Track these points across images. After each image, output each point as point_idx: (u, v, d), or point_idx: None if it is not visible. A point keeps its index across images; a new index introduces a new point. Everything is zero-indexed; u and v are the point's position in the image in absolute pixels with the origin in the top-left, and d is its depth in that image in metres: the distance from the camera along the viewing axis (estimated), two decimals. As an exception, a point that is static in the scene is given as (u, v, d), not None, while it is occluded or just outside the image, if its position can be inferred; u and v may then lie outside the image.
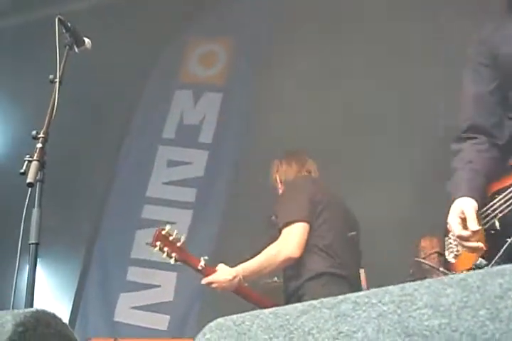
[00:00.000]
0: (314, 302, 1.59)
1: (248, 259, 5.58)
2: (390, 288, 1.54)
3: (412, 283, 1.52)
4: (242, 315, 1.70)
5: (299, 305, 1.65)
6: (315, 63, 6.74)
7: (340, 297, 1.58)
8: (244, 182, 7.20)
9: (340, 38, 6.83)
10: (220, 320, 1.72)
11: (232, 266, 4.11)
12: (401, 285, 1.54)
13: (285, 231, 4.03)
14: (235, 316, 1.70)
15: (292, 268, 4.11)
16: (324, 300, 1.58)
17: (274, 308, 1.67)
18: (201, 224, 7.19)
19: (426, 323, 1.42)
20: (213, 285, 4.03)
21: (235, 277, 4.02)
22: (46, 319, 1.76)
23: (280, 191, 4.39)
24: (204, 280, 4.04)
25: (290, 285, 4.17)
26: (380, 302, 1.50)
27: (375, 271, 6.00)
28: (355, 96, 6.69)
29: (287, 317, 1.60)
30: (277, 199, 4.34)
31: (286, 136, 6.82)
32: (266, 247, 5.60)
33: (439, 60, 6.45)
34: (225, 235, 7.17)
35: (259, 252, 5.57)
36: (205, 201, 7.34)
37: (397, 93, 6.59)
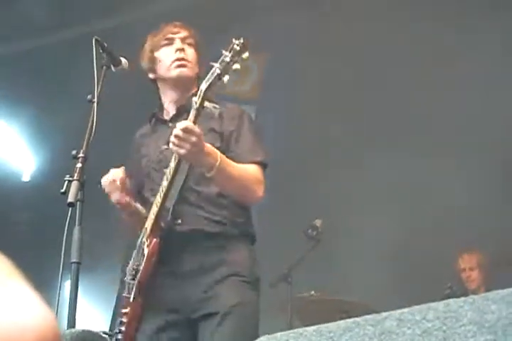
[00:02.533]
0: (358, 319, 1.60)
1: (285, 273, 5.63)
2: (434, 304, 1.54)
3: (456, 300, 1.52)
4: (286, 333, 1.71)
5: (342, 322, 1.65)
6: (348, 76, 6.75)
7: (384, 314, 1.58)
8: (278, 195, 7.20)
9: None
10: (263, 338, 1.73)
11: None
12: (445, 301, 1.54)
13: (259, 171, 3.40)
14: (278, 334, 1.71)
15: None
16: (368, 317, 1.59)
17: (317, 326, 1.67)
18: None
19: (471, 340, 1.42)
20: (191, 138, 2.99)
21: (214, 152, 3.14)
22: (92, 339, 1.79)
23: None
24: (182, 124, 3.02)
25: None
26: (424, 319, 1.50)
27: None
28: (396, 102, 6.69)
29: (331, 334, 1.60)
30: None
31: (320, 149, 6.84)
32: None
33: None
34: (262, 249, 7.17)
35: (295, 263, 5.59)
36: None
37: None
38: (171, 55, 3.48)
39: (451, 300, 1.53)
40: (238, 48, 2.96)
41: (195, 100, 3.01)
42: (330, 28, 6.68)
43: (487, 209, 6.10)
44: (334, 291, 5.94)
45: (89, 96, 3.10)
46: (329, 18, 6.92)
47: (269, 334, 1.78)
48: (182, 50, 3.49)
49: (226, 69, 2.96)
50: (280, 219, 6.94)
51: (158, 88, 3.57)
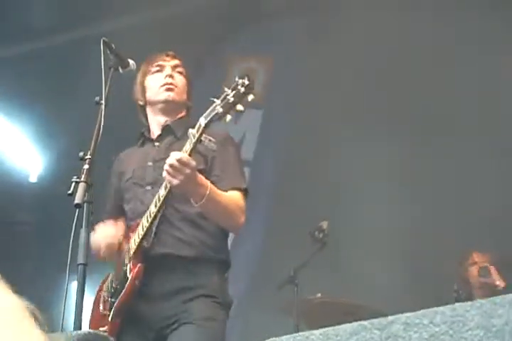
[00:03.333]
0: (364, 322, 1.60)
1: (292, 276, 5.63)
2: (441, 308, 1.53)
3: (463, 304, 1.51)
4: (292, 336, 1.70)
5: (348, 325, 1.65)
6: (355, 80, 6.75)
7: (391, 318, 1.58)
8: (284, 197, 7.21)
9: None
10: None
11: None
12: (452, 305, 1.54)
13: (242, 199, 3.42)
14: (284, 337, 1.71)
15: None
16: (375, 320, 1.58)
17: (323, 329, 1.67)
18: (244, 240, 7.19)
19: (478, 344, 1.42)
20: (185, 170, 3.03)
21: (205, 183, 3.17)
22: (98, 340, 1.79)
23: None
24: (177, 155, 3.05)
25: None
26: (431, 323, 1.50)
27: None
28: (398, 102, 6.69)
29: (338, 338, 1.60)
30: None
31: (326, 151, 6.83)
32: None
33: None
34: (268, 251, 7.18)
35: (303, 264, 5.60)
36: (247, 217, 7.33)
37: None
38: (161, 80, 3.57)
39: (458, 305, 1.53)
40: (243, 90, 2.94)
41: (193, 133, 3.03)
42: (332, 31, 6.70)
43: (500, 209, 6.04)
44: (341, 294, 5.93)
45: (96, 98, 3.10)
46: (331, 21, 6.94)
47: (275, 337, 1.78)
48: (171, 76, 3.58)
49: (228, 109, 2.95)
50: (286, 221, 6.94)
51: (146, 114, 3.65)
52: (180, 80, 3.60)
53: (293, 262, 5.82)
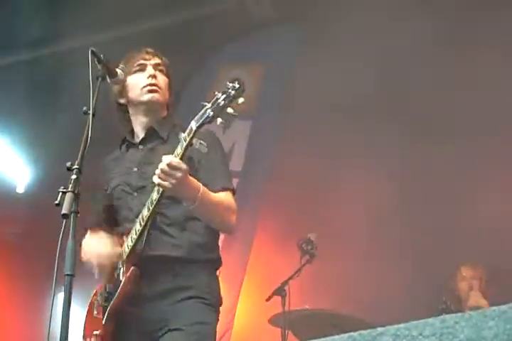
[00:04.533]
0: (354, 334, 1.58)
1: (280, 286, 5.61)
2: (431, 320, 1.52)
3: (452, 315, 1.50)
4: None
5: (337, 337, 1.64)
6: (342, 90, 6.75)
7: (380, 329, 1.57)
8: (274, 210, 7.20)
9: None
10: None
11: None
12: (441, 317, 1.52)
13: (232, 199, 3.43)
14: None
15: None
16: (364, 332, 1.57)
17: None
18: (232, 251, 7.17)
19: (468, 356, 1.41)
20: (176, 174, 3.04)
21: (197, 185, 3.18)
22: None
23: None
24: (168, 159, 3.05)
25: None
26: (420, 334, 1.49)
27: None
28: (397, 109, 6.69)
29: (326, 349, 1.59)
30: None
31: (317, 162, 6.83)
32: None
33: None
34: (255, 262, 7.17)
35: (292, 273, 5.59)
36: (236, 225, 7.30)
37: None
38: (143, 81, 3.55)
39: (447, 316, 1.52)
40: (233, 93, 2.95)
41: (185, 137, 3.05)
42: (322, 41, 6.71)
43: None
44: (328, 305, 5.92)
45: (84, 108, 3.08)
46: (321, 31, 6.95)
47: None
48: (154, 76, 3.56)
49: (219, 112, 2.97)
50: (274, 232, 6.93)
51: (126, 112, 3.65)
52: (162, 80, 3.59)
53: (280, 273, 5.82)
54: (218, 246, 3.52)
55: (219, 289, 3.42)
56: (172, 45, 6.84)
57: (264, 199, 7.46)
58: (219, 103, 2.96)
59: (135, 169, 3.48)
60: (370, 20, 6.46)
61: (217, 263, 3.47)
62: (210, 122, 2.99)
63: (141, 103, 3.55)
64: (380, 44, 6.64)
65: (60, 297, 2.74)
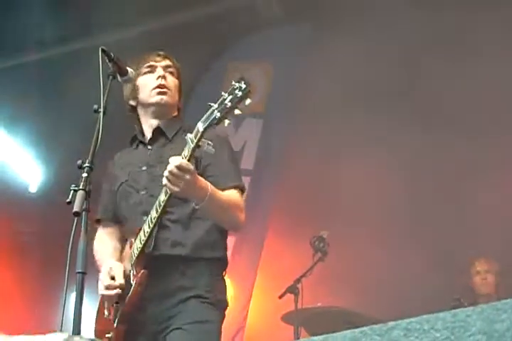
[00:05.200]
0: (365, 328, 1.58)
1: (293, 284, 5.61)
2: (442, 314, 1.52)
3: (464, 309, 1.49)
4: (292, 342, 1.69)
5: (348, 332, 1.63)
6: (355, 88, 6.74)
7: (391, 323, 1.56)
8: (286, 208, 7.20)
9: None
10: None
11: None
12: (453, 311, 1.52)
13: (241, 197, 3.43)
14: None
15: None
16: (375, 326, 1.57)
17: (324, 336, 1.65)
18: (244, 249, 7.17)
19: (480, 350, 1.40)
20: (185, 176, 3.02)
21: (205, 185, 3.17)
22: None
23: None
24: (176, 161, 3.04)
25: None
26: (432, 328, 1.48)
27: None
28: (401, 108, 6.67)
29: (338, 344, 1.58)
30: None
31: (328, 161, 6.83)
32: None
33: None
34: (268, 260, 7.17)
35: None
36: (247, 226, 7.30)
37: None
38: (153, 82, 3.54)
39: (459, 310, 1.51)
40: (240, 94, 2.91)
41: (191, 138, 3.02)
42: (332, 39, 6.70)
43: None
44: (341, 303, 5.91)
45: (95, 106, 3.09)
46: (331, 29, 6.95)
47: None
48: (164, 77, 3.55)
49: (226, 114, 2.94)
50: (286, 230, 6.92)
51: (137, 115, 3.64)
52: (172, 81, 3.58)
53: (293, 271, 5.82)
54: (225, 246, 3.50)
55: (223, 289, 3.40)
56: (181, 44, 6.86)
57: (275, 197, 7.46)
58: (226, 104, 2.92)
59: (144, 168, 3.48)
60: (376, 17, 6.45)
61: (223, 262, 3.44)
62: (217, 124, 2.97)
63: (151, 104, 3.54)
64: (388, 38, 6.63)
65: (73, 295, 2.75)
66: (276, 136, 7.76)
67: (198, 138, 3.00)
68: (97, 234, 3.58)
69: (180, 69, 3.69)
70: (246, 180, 7.45)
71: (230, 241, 7.07)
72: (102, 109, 3.08)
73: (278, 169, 7.63)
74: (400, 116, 6.57)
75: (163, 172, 3.15)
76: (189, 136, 3.04)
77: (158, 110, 3.55)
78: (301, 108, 7.39)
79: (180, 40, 7.08)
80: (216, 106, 2.95)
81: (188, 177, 3.02)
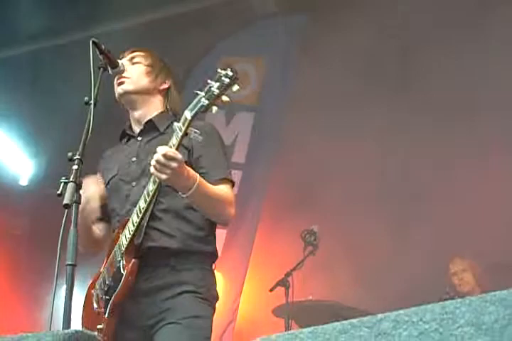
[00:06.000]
0: (354, 321, 1.58)
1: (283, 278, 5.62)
2: (430, 306, 1.52)
3: (453, 301, 1.50)
4: (281, 334, 1.69)
5: (337, 324, 1.64)
6: (347, 84, 6.74)
7: (380, 315, 1.57)
8: (277, 201, 7.20)
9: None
10: (258, 339, 1.71)
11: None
12: (442, 303, 1.52)
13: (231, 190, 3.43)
14: (273, 335, 1.69)
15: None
16: (364, 318, 1.57)
17: (312, 328, 1.66)
18: (235, 242, 7.18)
19: (468, 342, 1.41)
20: (172, 164, 3.00)
21: (193, 175, 3.15)
22: (85, 339, 1.77)
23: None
24: (163, 149, 3.02)
25: None
26: (421, 320, 1.49)
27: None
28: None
29: (327, 336, 1.59)
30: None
31: (319, 157, 6.83)
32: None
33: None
34: (259, 254, 7.17)
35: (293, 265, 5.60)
36: (238, 220, 7.32)
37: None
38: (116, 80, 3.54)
39: (447, 302, 1.51)
40: (227, 81, 2.92)
41: (179, 126, 3.01)
42: (324, 32, 6.69)
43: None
44: (331, 296, 5.93)
45: (86, 98, 3.09)
46: (323, 22, 6.94)
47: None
48: (122, 72, 3.50)
49: (214, 101, 2.94)
50: (278, 223, 6.93)
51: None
52: (133, 70, 3.52)
53: (284, 264, 5.83)
54: (215, 239, 3.48)
55: (214, 283, 3.39)
56: (171, 38, 6.86)
57: (267, 190, 7.46)
58: (213, 91, 2.92)
59: (133, 159, 3.47)
60: (372, 9, 6.46)
61: (213, 256, 3.43)
62: (205, 111, 2.97)
63: (118, 98, 3.54)
64: (385, 31, 6.63)
65: (63, 288, 2.75)
66: (269, 129, 7.75)
67: (185, 126, 2.99)
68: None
69: (153, 56, 3.62)
70: (238, 174, 7.48)
71: (222, 234, 7.16)
72: (92, 101, 3.08)
73: (270, 162, 7.63)
74: (397, 107, 6.54)
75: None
76: (176, 124, 3.03)
77: (126, 100, 3.52)
78: (294, 101, 7.39)
79: (170, 34, 7.07)
80: (203, 94, 2.95)
81: (175, 165, 3.00)
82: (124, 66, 3.45)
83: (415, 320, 1.49)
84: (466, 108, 6.34)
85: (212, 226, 3.45)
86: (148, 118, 3.53)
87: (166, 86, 3.60)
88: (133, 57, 3.57)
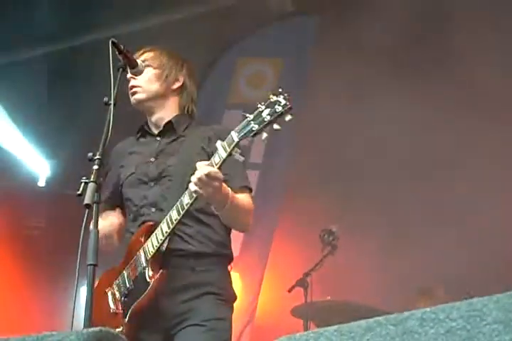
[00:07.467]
0: (380, 318, 1.57)
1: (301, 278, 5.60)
2: (457, 304, 1.51)
3: (480, 299, 1.49)
4: (306, 333, 1.68)
5: (363, 322, 1.62)
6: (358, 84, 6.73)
7: (406, 313, 1.55)
8: (296, 201, 7.19)
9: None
10: (283, 338, 1.70)
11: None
12: (468, 300, 1.51)
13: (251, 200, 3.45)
14: (298, 334, 1.69)
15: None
16: (390, 316, 1.56)
17: (338, 326, 1.65)
18: (254, 243, 7.17)
19: (496, 339, 1.39)
20: (214, 183, 3.01)
21: (227, 191, 3.18)
22: (109, 338, 1.76)
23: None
24: (206, 169, 3.00)
25: None
26: (447, 318, 1.47)
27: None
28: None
29: (352, 334, 1.58)
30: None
31: (337, 154, 6.81)
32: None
33: None
34: (277, 254, 7.16)
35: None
36: (256, 220, 7.29)
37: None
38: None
39: (474, 299, 1.50)
40: (279, 109, 2.86)
41: (223, 146, 3.00)
42: (343, 29, 6.68)
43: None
44: (350, 296, 5.91)
45: (105, 99, 3.09)
46: (341, 20, 6.93)
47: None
48: (132, 77, 3.51)
49: (265, 127, 2.89)
50: (296, 223, 6.92)
51: None
52: (142, 77, 3.51)
53: (302, 265, 5.82)
54: (230, 242, 3.51)
55: (231, 284, 3.42)
56: (190, 38, 6.86)
57: (285, 190, 7.45)
58: (264, 118, 2.88)
59: (152, 159, 3.48)
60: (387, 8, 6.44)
61: (230, 258, 3.47)
62: (254, 136, 2.93)
63: (135, 106, 3.56)
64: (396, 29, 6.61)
65: (83, 288, 2.75)
66: (286, 128, 7.71)
67: (231, 147, 2.97)
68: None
69: (163, 57, 3.60)
70: (255, 174, 7.47)
71: (239, 234, 7.15)
72: (112, 102, 3.08)
73: (287, 162, 7.61)
74: (411, 99, 6.49)
75: (171, 164, 3.22)
76: (221, 143, 3.02)
77: (141, 108, 3.56)
78: (311, 99, 7.36)
79: (187, 34, 7.07)
80: (252, 117, 2.91)
81: (216, 184, 3.03)
82: (143, 66, 3.45)
83: (442, 318, 1.48)
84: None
85: (228, 229, 3.48)
86: (166, 120, 3.55)
87: (179, 84, 3.59)
88: (143, 60, 3.55)
